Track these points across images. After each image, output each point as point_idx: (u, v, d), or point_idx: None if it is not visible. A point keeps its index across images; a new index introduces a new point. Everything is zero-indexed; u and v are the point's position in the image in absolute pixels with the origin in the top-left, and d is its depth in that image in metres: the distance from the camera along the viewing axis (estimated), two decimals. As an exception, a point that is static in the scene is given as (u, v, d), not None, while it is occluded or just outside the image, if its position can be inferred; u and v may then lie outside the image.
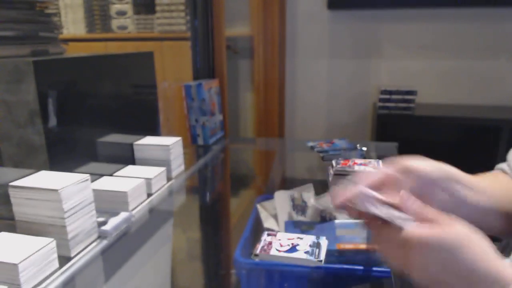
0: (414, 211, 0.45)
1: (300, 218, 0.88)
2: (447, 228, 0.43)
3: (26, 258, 0.57)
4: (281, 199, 0.89)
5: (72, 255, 0.68)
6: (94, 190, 0.74)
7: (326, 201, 0.91)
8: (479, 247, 0.43)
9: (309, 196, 0.94)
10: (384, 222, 0.46)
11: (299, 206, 0.90)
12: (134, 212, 0.85)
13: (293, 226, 0.86)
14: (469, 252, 0.42)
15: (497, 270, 0.41)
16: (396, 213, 0.46)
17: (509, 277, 0.41)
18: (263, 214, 0.85)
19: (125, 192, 0.83)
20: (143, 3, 2.45)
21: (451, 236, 0.43)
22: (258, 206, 0.88)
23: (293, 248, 0.72)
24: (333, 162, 1.05)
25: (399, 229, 0.44)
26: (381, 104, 2.15)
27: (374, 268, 0.72)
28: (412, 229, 0.44)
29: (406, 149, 1.56)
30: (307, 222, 0.89)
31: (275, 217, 0.87)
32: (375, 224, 0.48)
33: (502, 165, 0.68)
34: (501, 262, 0.43)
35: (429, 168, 0.53)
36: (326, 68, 2.48)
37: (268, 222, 0.84)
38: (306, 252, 0.70)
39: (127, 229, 0.80)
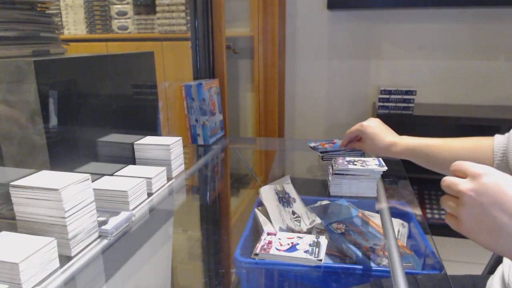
0: (459, 167, 0.53)
1: (288, 209, 0.89)
2: (487, 175, 0.50)
3: (26, 258, 0.58)
4: (267, 194, 0.89)
5: (73, 254, 0.68)
6: (95, 190, 0.74)
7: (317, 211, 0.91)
8: None
9: (290, 187, 0.95)
10: None
11: (284, 199, 0.91)
12: (134, 211, 0.85)
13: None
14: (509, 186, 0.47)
15: None
16: None
17: None
18: (262, 219, 0.85)
19: (125, 192, 0.84)
20: (144, 4, 2.45)
21: (492, 180, 0.49)
22: (256, 210, 0.88)
23: (292, 248, 0.72)
24: (333, 162, 1.05)
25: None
26: (380, 103, 2.16)
27: (374, 268, 0.73)
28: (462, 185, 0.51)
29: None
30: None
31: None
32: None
33: (500, 137, 0.80)
34: None
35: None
36: (326, 68, 2.48)
37: (267, 226, 0.84)
38: (306, 251, 0.71)
39: (127, 228, 0.81)
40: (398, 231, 0.91)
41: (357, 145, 1.06)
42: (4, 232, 0.65)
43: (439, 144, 0.85)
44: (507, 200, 0.47)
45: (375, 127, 0.98)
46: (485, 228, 0.48)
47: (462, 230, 0.51)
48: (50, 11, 0.94)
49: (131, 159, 1.07)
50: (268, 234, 0.77)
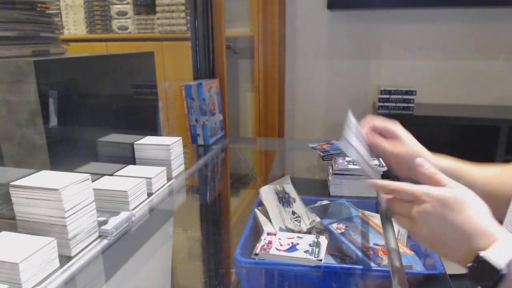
0: (429, 174, 0.55)
1: (288, 209, 0.89)
2: (451, 189, 0.52)
3: (26, 258, 0.58)
4: (267, 194, 0.89)
5: (73, 254, 0.68)
6: (95, 190, 0.74)
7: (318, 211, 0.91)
8: (477, 207, 0.51)
9: (290, 187, 0.95)
10: None
11: (284, 199, 0.91)
12: (134, 211, 0.85)
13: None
14: (467, 209, 0.50)
15: (488, 225, 0.49)
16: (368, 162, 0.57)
17: (496, 232, 0.48)
18: (262, 219, 0.85)
19: (125, 192, 0.84)
20: (144, 4, 2.45)
21: (453, 194, 0.51)
22: (256, 210, 0.88)
23: (292, 248, 0.72)
24: (333, 162, 1.05)
25: (410, 186, 0.54)
26: (380, 104, 2.15)
27: (374, 268, 0.72)
28: (421, 187, 0.53)
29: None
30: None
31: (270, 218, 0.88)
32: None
33: None
34: (493, 221, 0.50)
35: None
36: (326, 68, 2.48)
37: (267, 226, 0.84)
38: (306, 251, 0.71)
39: (127, 228, 0.81)
40: (398, 231, 0.91)
41: (381, 141, 0.75)
42: (4, 232, 0.65)
43: (471, 168, 0.73)
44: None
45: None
46: (435, 234, 0.51)
47: (416, 232, 0.54)
48: (50, 11, 0.94)
49: (131, 159, 1.07)
50: (268, 234, 0.77)
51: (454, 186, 0.53)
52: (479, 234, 0.48)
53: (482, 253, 0.46)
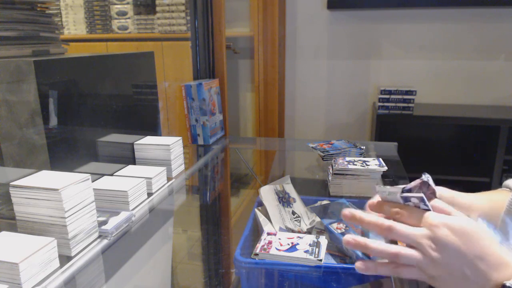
0: (439, 207, 0.51)
1: (288, 209, 0.89)
2: (463, 217, 0.48)
3: (26, 258, 0.58)
4: (267, 194, 0.89)
5: (73, 254, 0.68)
6: (95, 190, 0.74)
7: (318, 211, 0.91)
8: (489, 234, 0.48)
9: (290, 187, 0.95)
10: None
11: (284, 199, 0.91)
12: (134, 211, 0.85)
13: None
14: (482, 237, 0.47)
15: (506, 254, 0.46)
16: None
17: None
18: (262, 219, 0.85)
19: (125, 192, 0.84)
20: (144, 4, 2.45)
21: (466, 222, 0.47)
22: (256, 210, 0.88)
23: (293, 247, 0.72)
24: (333, 162, 1.05)
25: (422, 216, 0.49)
26: (380, 104, 2.16)
27: (374, 268, 0.72)
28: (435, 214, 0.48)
29: (405, 148, 1.56)
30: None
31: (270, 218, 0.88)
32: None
33: (509, 182, 0.69)
34: (506, 248, 0.48)
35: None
36: (326, 68, 2.48)
37: (267, 226, 0.84)
38: (306, 251, 0.71)
39: (127, 228, 0.81)
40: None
41: None
42: (4, 232, 0.65)
43: (467, 196, 0.66)
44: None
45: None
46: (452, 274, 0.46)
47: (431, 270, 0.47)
48: (50, 11, 0.94)
49: (131, 159, 1.07)
50: (268, 234, 0.77)
51: (459, 215, 0.49)
52: (498, 265, 0.45)
53: (508, 283, 0.44)
